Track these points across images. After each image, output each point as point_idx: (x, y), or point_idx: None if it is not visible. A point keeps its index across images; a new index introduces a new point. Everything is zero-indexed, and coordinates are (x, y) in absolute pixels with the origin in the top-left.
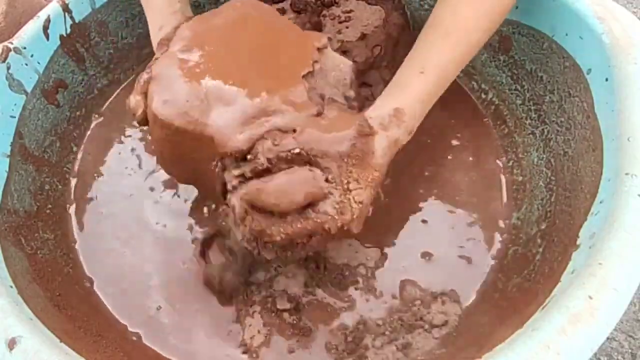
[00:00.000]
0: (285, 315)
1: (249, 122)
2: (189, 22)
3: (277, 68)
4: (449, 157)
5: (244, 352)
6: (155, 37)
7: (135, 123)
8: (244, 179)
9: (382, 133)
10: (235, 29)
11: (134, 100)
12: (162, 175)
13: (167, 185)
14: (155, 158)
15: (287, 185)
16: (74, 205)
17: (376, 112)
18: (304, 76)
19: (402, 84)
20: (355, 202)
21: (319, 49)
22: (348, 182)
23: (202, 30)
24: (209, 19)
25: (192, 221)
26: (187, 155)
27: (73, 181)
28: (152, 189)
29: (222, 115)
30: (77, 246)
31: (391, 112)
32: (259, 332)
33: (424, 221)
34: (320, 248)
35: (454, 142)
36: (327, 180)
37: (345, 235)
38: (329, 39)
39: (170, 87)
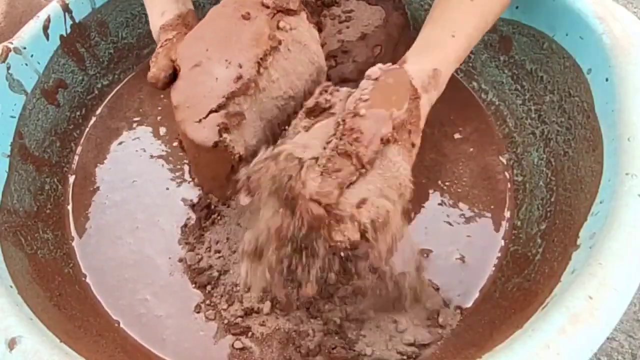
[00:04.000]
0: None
1: None
2: (186, 42)
3: None
4: (451, 148)
5: (236, 351)
6: (156, 22)
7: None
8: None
9: (424, 95)
10: (225, 35)
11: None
12: (161, 179)
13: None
14: (153, 160)
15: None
16: (71, 204)
17: (414, 71)
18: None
19: (436, 44)
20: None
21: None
22: (411, 146)
23: (199, 46)
24: (201, 33)
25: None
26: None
27: (71, 179)
28: (151, 190)
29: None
30: (74, 244)
31: (430, 73)
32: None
33: (424, 223)
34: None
35: (456, 136)
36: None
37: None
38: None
39: (196, 109)
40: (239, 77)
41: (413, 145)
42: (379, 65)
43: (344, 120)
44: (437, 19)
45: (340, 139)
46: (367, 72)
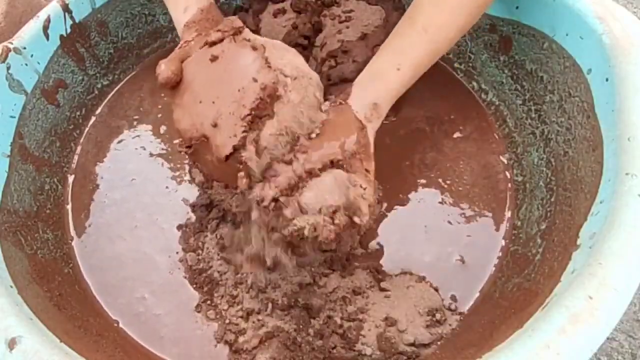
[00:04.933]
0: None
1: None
2: (194, 61)
3: None
4: (451, 147)
5: (236, 352)
6: (180, 19)
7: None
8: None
9: (369, 125)
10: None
11: (168, 65)
12: (161, 178)
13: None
14: (153, 158)
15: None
16: (71, 203)
17: (358, 105)
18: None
19: (378, 77)
20: (372, 189)
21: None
22: (366, 172)
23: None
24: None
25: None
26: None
27: (71, 178)
28: (151, 189)
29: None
30: (73, 243)
31: (371, 107)
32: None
33: (423, 222)
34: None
35: (456, 135)
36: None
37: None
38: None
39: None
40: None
41: (368, 171)
42: (326, 102)
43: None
44: (387, 47)
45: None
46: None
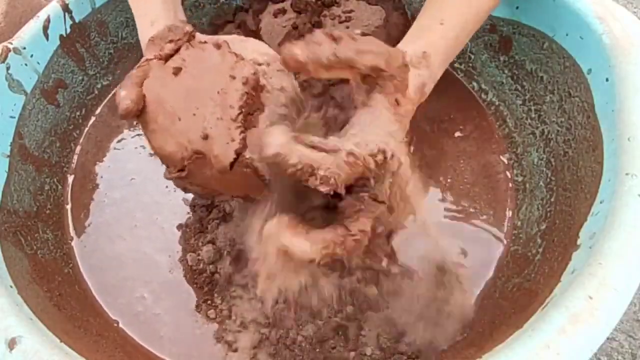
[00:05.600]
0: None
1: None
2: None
3: None
4: (451, 146)
5: (236, 352)
6: (145, 32)
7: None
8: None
9: (414, 70)
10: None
11: (126, 92)
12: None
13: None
14: (152, 158)
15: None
16: (70, 202)
17: (407, 49)
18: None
19: (424, 31)
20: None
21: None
22: (395, 103)
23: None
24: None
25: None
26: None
27: (70, 178)
28: (150, 189)
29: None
30: (73, 243)
31: (419, 54)
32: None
33: (422, 220)
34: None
35: (457, 134)
36: None
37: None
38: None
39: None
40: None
41: (397, 102)
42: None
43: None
44: (427, 10)
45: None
46: None
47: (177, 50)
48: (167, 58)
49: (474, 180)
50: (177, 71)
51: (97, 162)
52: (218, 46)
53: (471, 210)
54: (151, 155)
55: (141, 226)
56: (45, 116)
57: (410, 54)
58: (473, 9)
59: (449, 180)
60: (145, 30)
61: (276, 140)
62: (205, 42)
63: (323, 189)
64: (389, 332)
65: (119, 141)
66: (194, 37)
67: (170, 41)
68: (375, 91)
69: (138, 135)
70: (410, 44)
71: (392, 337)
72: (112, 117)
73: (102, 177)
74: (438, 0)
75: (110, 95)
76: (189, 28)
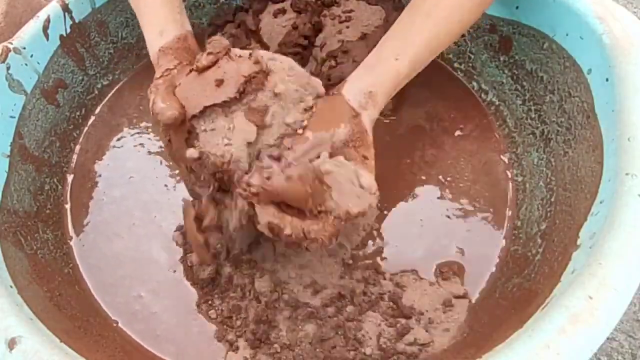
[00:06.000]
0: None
1: None
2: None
3: None
4: (451, 145)
5: (236, 351)
6: (154, 42)
7: (160, 129)
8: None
9: (364, 112)
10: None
11: (167, 104)
12: (160, 176)
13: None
14: (152, 156)
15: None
16: (70, 201)
17: (351, 94)
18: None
19: (375, 67)
20: (370, 172)
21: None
22: (363, 158)
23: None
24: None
25: None
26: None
27: (70, 177)
28: (150, 187)
29: None
30: (72, 243)
31: (366, 94)
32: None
33: (421, 220)
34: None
35: (457, 133)
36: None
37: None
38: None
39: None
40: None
41: (365, 157)
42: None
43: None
44: (386, 38)
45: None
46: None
47: (214, 63)
48: (204, 69)
49: (474, 179)
50: (219, 83)
51: (97, 161)
52: (257, 62)
53: (471, 208)
54: (150, 153)
55: (140, 225)
56: (45, 116)
57: (357, 98)
58: (438, 36)
59: (448, 178)
60: (154, 40)
61: (264, 218)
62: (241, 56)
63: (313, 246)
64: (388, 333)
65: (118, 139)
66: (230, 50)
67: (209, 54)
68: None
69: (138, 133)
70: (356, 84)
71: (392, 337)
72: (112, 116)
73: (101, 175)
74: (399, 27)
75: (110, 95)
76: (226, 43)
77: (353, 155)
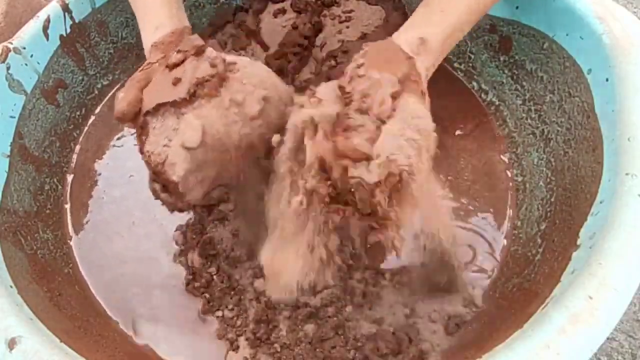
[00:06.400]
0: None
1: None
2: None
3: None
4: (451, 143)
5: (236, 350)
6: (149, 38)
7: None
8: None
9: (418, 58)
10: None
11: (124, 95)
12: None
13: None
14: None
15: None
16: (70, 201)
17: (402, 40)
18: None
19: (423, 19)
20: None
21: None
22: (422, 95)
23: None
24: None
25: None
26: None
27: (70, 177)
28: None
29: None
30: (71, 242)
31: (417, 41)
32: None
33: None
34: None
35: (458, 132)
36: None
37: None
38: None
39: None
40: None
41: (423, 93)
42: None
43: (345, 85)
44: (427, 1)
45: (352, 101)
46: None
47: (182, 61)
48: (172, 67)
49: (474, 178)
50: (176, 81)
51: (97, 160)
52: (213, 65)
53: (471, 208)
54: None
55: (140, 224)
56: (45, 116)
57: (408, 44)
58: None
59: (449, 177)
60: (149, 35)
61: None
62: (208, 57)
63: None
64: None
65: (118, 139)
66: (203, 52)
67: (179, 51)
68: (404, 93)
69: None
70: (406, 32)
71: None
72: (112, 115)
73: (101, 174)
74: None
75: (110, 95)
76: (199, 42)
77: (414, 90)
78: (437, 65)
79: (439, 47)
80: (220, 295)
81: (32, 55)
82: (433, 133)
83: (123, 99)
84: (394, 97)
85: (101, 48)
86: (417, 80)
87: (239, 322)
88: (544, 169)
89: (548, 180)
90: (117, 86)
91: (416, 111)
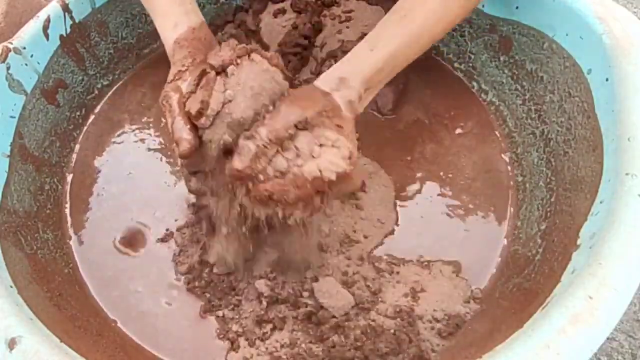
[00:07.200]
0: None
1: None
2: None
3: None
4: (451, 141)
5: (236, 350)
6: (169, 34)
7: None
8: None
9: (336, 93)
10: None
11: (183, 129)
12: (159, 172)
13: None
14: (151, 153)
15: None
16: (69, 198)
17: (322, 81)
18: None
19: (350, 57)
20: (349, 143)
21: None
22: (338, 127)
23: None
24: None
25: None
26: None
27: (70, 176)
28: (148, 184)
29: None
30: (71, 242)
31: (337, 80)
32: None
33: (421, 217)
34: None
35: (458, 131)
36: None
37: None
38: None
39: None
40: None
41: (339, 126)
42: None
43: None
44: (364, 39)
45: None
46: None
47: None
48: (222, 69)
49: (475, 176)
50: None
51: (96, 157)
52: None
53: (471, 206)
54: (149, 150)
55: (138, 221)
56: (45, 116)
57: (328, 83)
58: (416, 33)
59: (449, 175)
60: (169, 32)
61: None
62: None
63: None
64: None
65: (119, 135)
66: (251, 53)
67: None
68: (320, 129)
69: (138, 129)
70: (331, 71)
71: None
72: (113, 112)
73: (100, 171)
74: (377, 27)
75: (109, 95)
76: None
77: (327, 124)
78: (372, 94)
79: (363, 82)
80: (220, 295)
81: (32, 55)
82: (342, 165)
83: (186, 140)
84: (297, 127)
85: (101, 48)
86: (330, 114)
87: (239, 322)
88: (544, 168)
89: (548, 180)
90: (117, 86)
91: (328, 140)
